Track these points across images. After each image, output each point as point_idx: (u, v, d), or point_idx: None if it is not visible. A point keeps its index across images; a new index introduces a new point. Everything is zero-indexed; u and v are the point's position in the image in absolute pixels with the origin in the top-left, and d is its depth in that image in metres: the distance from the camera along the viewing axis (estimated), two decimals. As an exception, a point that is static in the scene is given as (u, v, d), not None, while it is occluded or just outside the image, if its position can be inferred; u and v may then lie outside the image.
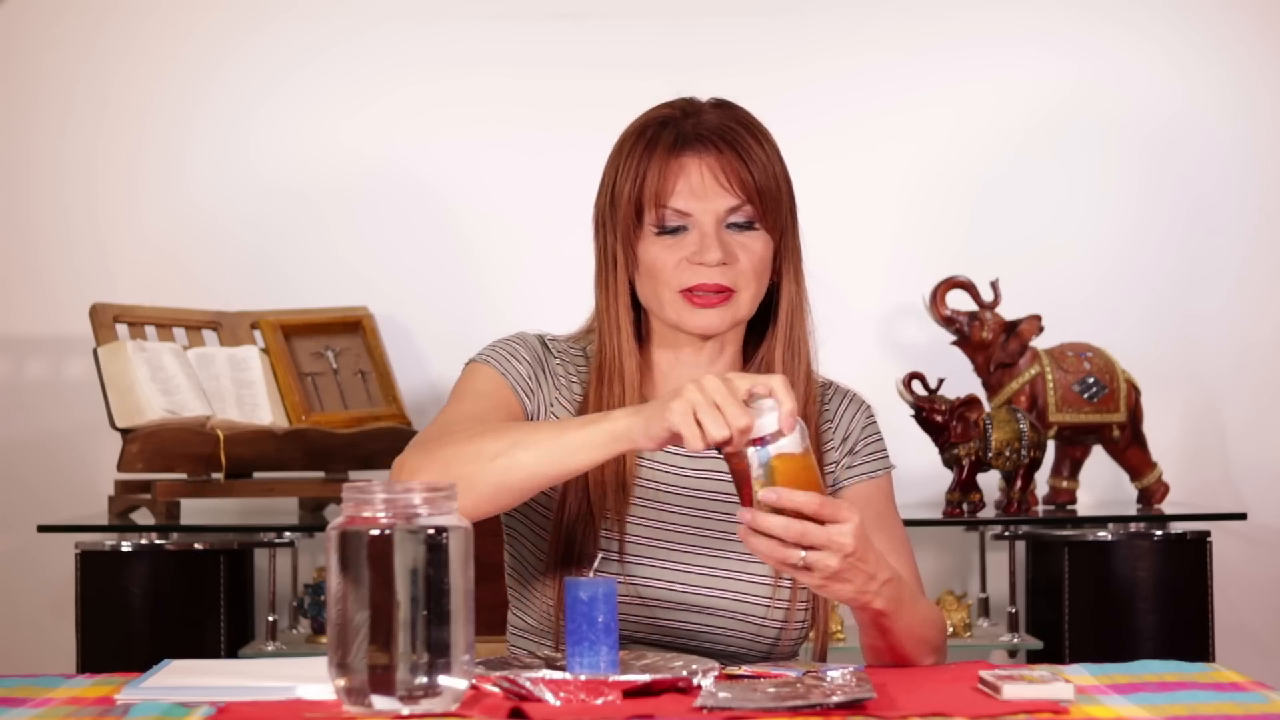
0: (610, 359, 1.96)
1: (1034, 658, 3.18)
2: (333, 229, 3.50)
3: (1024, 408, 3.19)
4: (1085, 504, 3.36)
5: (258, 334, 3.30)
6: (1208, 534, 3.18)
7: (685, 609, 1.93)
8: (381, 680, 1.48)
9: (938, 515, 3.21)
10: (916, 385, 3.19)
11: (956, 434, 3.16)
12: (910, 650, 1.84)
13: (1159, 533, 3.18)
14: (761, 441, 1.66)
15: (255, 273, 3.47)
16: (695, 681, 1.60)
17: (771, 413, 1.66)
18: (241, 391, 3.19)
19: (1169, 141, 3.54)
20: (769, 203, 1.93)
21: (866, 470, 2.02)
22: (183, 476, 3.12)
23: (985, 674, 1.60)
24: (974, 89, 3.54)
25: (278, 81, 3.51)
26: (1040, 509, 3.25)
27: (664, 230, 1.93)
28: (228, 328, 3.29)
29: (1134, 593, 3.15)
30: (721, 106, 1.98)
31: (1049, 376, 3.21)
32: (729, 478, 1.73)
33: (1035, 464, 3.18)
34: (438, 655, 1.48)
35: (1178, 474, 3.42)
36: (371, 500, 1.50)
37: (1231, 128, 3.55)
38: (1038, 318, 3.23)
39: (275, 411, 3.19)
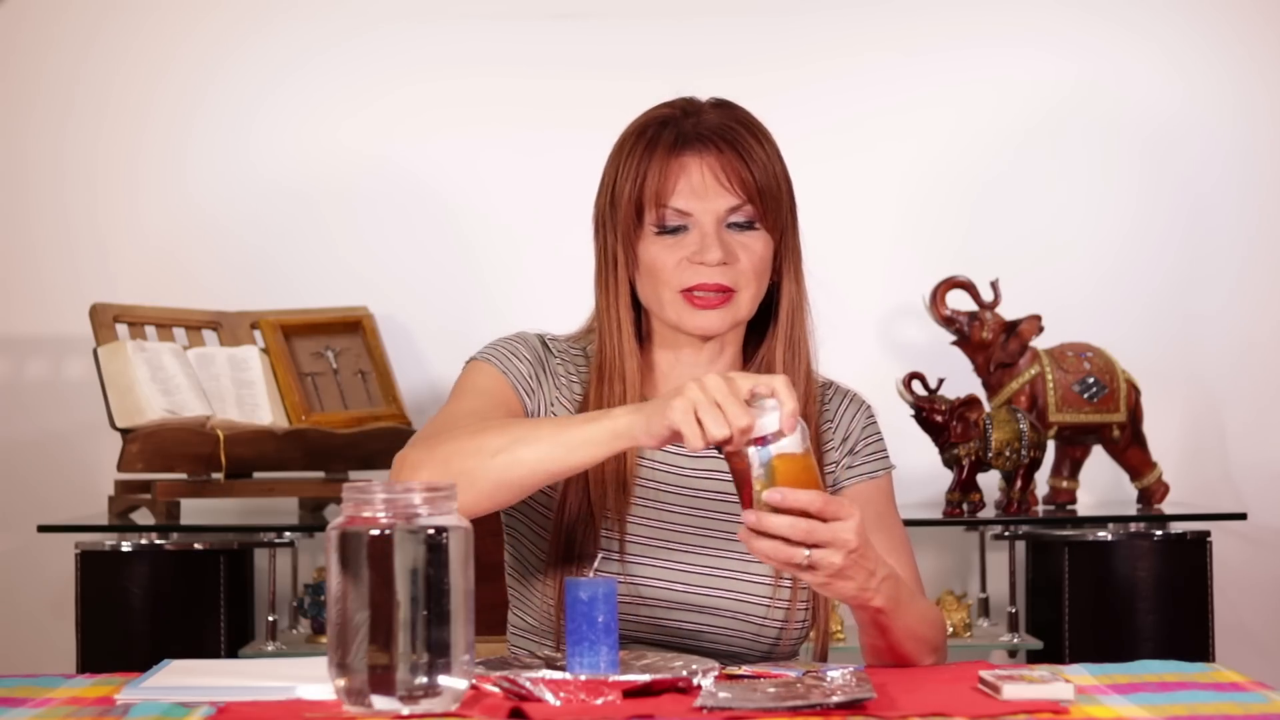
0: (610, 359, 1.96)
1: (1034, 658, 3.18)
2: (333, 229, 3.50)
3: (1024, 408, 3.19)
4: (1085, 504, 3.36)
5: (258, 334, 3.30)
6: (1208, 534, 3.18)
7: (685, 609, 1.93)
8: (381, 680, 1.48)
9: (938, 515, 3.21)
10: (916, 385, 3.19)
11: (956, 434, 3.16)
12: (910, 650, 1.84)
13: (1159, 533, 3.18)
14: (763, 441, 1.65)
15: (255, 273, 3.47)
16: (695, 681, 1.60)
17: (773, 412, 1.65)
18: (241, 391, 3.19)
19: (1169, 141, 3.54)
20: (769, 202, 1.94)
21: (867, 470, 2.02)
22: (183, 476, 3.12)
23: (985, 674, 1.60)
24: (974, 89, 3.54)
25: (278, 81, 3.51)
26: (1040, 509, 3.25)
27: (664, 230, 1.93)
28: (228, 328, 3.29)
29: (1134, 593, 3.15)
30: (722, 106, 1.98)
31: (1049, 376, 3.21)
32: (730, 477, 1.73)
33: (1035, 464, 3.18)
34: (438, 655, 1.48)
35: (1178, 474, 3.42)
36: (371, 500, 1.50)
37: (1231, 128, 3.55)
38: (1038, 318, 3.23)
39: (275, 411, 3.19)
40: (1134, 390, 3.26)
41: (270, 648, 3.12)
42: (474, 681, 1.55)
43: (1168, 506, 3.29)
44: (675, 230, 1.93)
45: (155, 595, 3.07)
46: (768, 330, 2.00)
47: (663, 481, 1.97)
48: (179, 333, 3.26)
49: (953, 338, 3.26)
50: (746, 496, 1.67)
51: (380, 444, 3.17)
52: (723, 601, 1.93)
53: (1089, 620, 3.16)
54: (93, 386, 3.18)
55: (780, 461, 1.65)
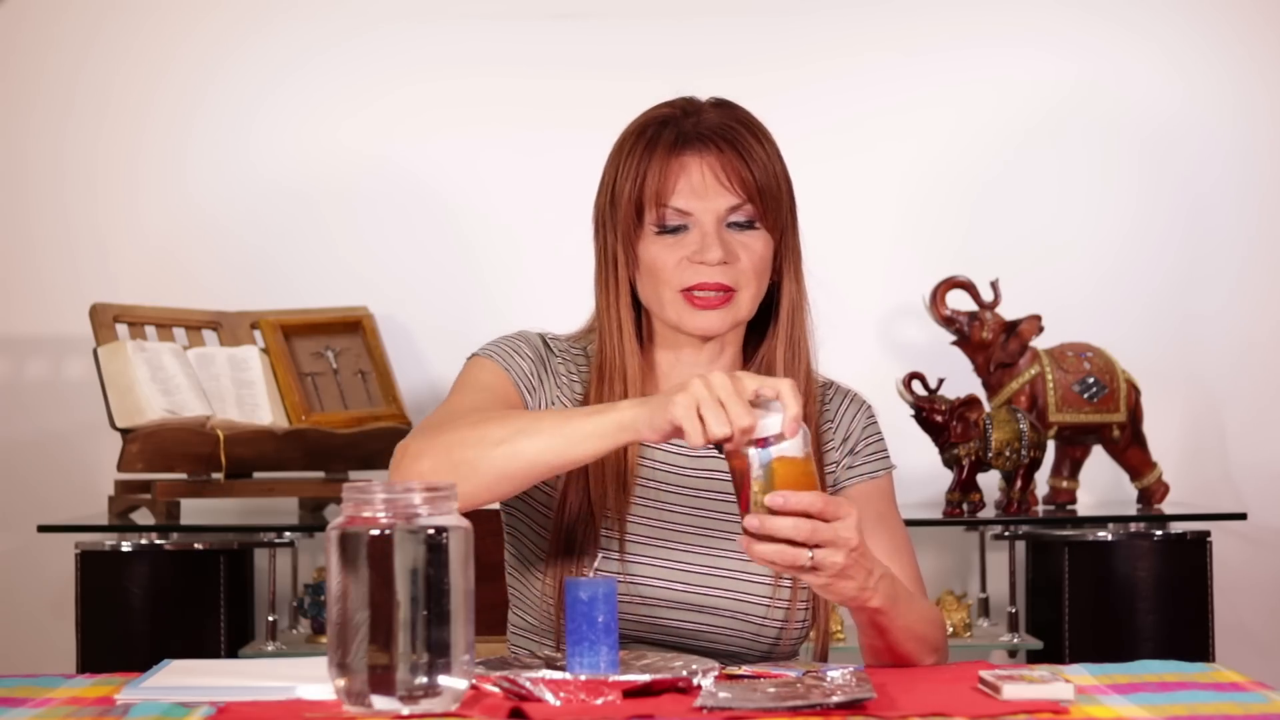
0: (611, 359, 1.96)
1: (1034, 658, 3.18)
2: (333, 229, 3.50)
3: (1024, 408, 3.19)
4: (1085, 504, 3.36)
5: (258, 334, 3.30)
6: (1208, 534, 3.18)
7: (686, 608, 1.93)
8: (381, 680, 1.47)
9: (938, 515, 3.21)
10: (916, 385, 3.19)
11: (956, 434, 3.16)
12: (910, 649, 1.84)
13: (1159, 533, 3.18)
14: (764, 443, 1.65)
15: (255, 273, 3.47)
16: (695, 681, 1.60)
17: (776, 415, 1.64)
18: (241, 391, 3.19)
19: (1169, 141, 3.54)
20: (769, 202, 1.93)
21: (867, 470, 2.02)
22: (183, 476, 3.12)
23: (985, 674, 1.60)
24: (974, 89, 3.54)
25: (278, 81, 3.51)
26: (1040, 509, 3.25)
27: (664, 229, 1.93)
28: (228, 328, 3.29)
29: (1134, 593, 3.15)
30: (722, 106, 1.98)
31: (1049, 376, 3.21)
32: (730, 477, 1.73)
33: (1035, 464, 3.18)
34: (438, 655, 1.48)
35: (1178, 474, 3.42)
36: (371, 500, 1.50)
37: (1231, 128, 3.55)
38: (1038, 318, 3.23)
39: (275, 411, 3.19)
40: (1134, 390, 3.26)
41: (270, 648, 3.12)
42: (474, 681, 1.55)
43: (1168, 506, 3.29)
44: (675, 230, 1.93)
45: (155, 595, 3.07)
46: (768, 330, 2.00)
47: (663, 480, 1.97)
48: (179, 333, 3.26)
49: (953, 338, 3.26)
50: (744, 497, 1.67)
51: (380, 444, 3.17)
52: (723, 601, 1.93)
53: (1089, 620, 3.16)
54: (93, 386, 3.18)
55: (780, 464, 1.65)
